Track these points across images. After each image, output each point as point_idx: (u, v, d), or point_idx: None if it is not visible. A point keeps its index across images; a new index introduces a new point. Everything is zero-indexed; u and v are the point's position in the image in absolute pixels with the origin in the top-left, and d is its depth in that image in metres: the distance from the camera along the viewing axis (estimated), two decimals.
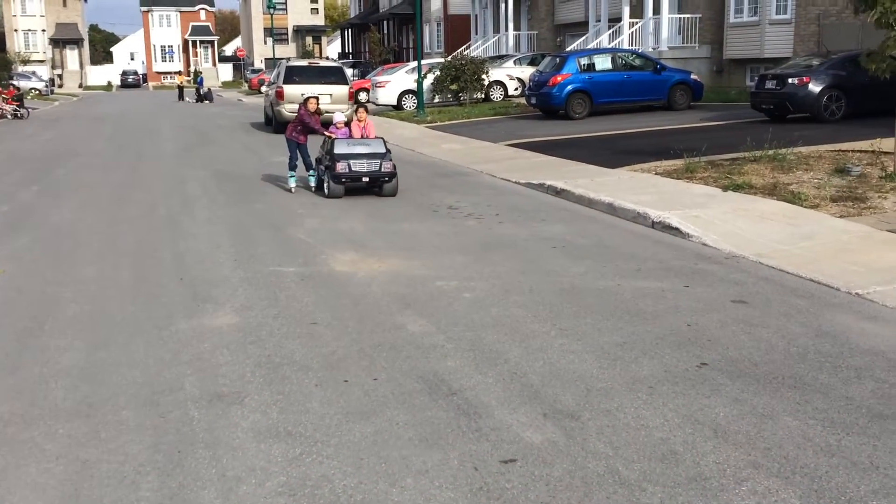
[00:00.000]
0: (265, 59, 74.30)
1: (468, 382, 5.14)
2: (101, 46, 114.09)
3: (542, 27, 38.96)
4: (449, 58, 30.98)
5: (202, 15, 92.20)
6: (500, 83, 30.30)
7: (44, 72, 70.76)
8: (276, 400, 4.95)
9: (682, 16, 28.47)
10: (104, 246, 9.30)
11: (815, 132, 15.31)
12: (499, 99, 29.97)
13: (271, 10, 60.64)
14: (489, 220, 10.33)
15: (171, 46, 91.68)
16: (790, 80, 17.37)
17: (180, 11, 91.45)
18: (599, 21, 32.16)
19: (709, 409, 4.67)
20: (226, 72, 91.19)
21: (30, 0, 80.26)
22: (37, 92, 53.28)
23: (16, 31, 78.84)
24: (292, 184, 12.91)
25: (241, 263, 8.31)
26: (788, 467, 4.01)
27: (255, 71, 67.78)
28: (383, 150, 12.19)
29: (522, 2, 40.23)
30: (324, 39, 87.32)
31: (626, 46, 27.84)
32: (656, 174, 12.72)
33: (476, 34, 43.83)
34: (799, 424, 4.45)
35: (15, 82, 42.66)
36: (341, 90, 23.07)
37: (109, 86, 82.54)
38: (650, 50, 27.32)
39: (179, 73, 60.69)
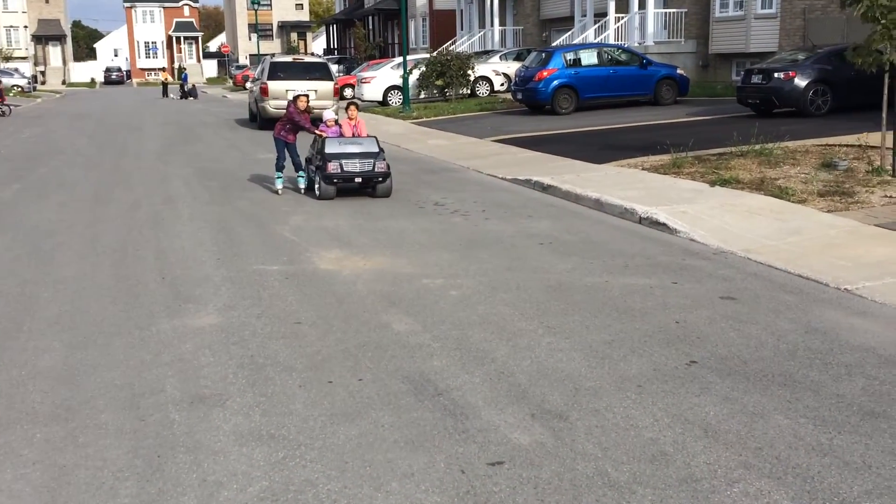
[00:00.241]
0: (250, 55, 74.05)
1: (454, 382, 5.05)
2: (85, 43, 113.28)
3: (528, 22, 38.89)
4: (434, 53, 30.86)
5: (186, 11, 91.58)
6: (486, 79, 30.21)
7: (26, 69, 70.18)
8: (259, 402, 4.85)
9: (667, 11, 28.47)
10: (85, 245, 9.16)
11: (801, 126, 15.30)
12: (485, 94, 29.88)
13: (256, 6, 60.20)
14: (476, 216, 10.25)
15: (154, 43, 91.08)
16: (776, 75, 17.35)
17: (164, 7, 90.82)
18: (585, 16, 32.13)
19: (699, 409, 4.60)
20: (210, 68, 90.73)
21: None
22: (19, 89, 52.79)
23: None
24: (279, 185, 12.36)
25: (224, 262, 8.20)
26: (780, 467, 3.94)
27: (239, 67, 67.34)
28: (376, 150, 11.69)
29: None
30: (309, 35, 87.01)
31: (611, 41, 27.79)
32: (643, 169, 12.67)
33: (461, 29, 43.73)
34: (790, 423, 4.39)
35: None
36: (326, 86, 22.95)
37: (93, 82, 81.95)
38: (636, 45, 27.32)
39: (163, 69, 60.41)
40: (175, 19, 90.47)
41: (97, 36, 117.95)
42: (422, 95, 29.82)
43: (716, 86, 25.37)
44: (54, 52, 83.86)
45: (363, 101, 29.75)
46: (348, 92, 31.07)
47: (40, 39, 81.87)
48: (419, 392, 4.92)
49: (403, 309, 6.55)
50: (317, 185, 11.79)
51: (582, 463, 4.04)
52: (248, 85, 34.66)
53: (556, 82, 21.99)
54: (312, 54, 57.75)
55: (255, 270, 7.83)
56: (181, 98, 45.72)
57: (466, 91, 29.32)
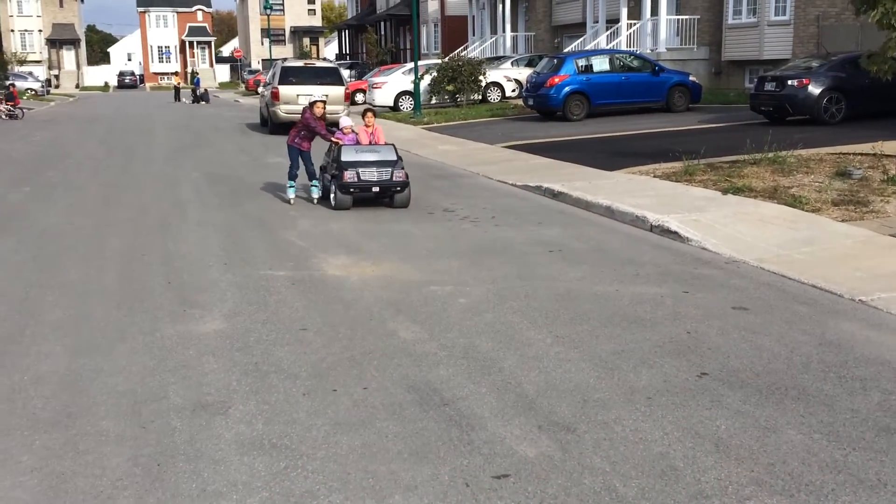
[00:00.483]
0: (262, 59, 74.22)
1: (461, 392, 4.97)
2: (98, 47, 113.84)
3: (540, 28, 38.84)
4: (446, 59, 30.84)
5: (199, 16, 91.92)
6: (498, 84, 30.17)
7: (40, 72, 70.60)
8: (262, 410, 4.78)
9: (680, 17, 28.36)
10: (91, 249, 9.12)
11: (815, 134, 15.16)
12: (496, 100, 29.83)
13: (268, 11, 60.50)
14: (485, 223, 10.17)
15: (167, 47, 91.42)
16: (790, 82, 17.22)
17: (177, 12, 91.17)
18: (597, 22, 32.04)
19: (709, 422, 4.50)
20: (223, 72, 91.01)
21: (26, 0, 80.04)
22: (33, 92, 53.08)
23: (12, 31, 78.66)
24: (291, 194, 11.89)
25: (231, 267, 8.14)
26: (793, 484, 3.84)
27: (252, 72, 67.60)
28: (394, 158, 11.17)
29: (520, 3, 40.12)
30: (321, 40, 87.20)
31: (624, 48, 27.70)
32: (655, 177, 12.57)
33: (473, 35, 43.70)
34: (803, 438, 4.28)
35: (9, 82, 42.44)
36: (337, 91, 22.91)
37: (106, 86, 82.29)
38: (648, 51, 27.20)
39: (176, 73, 60.55)
40: (188, 24, 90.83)
41: (111, 40, 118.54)
42: (433, 101, 29.79)
43: (729, 93, 25.24)
44: (68, 56, 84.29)
45: (374, 106, 29.72)
46: (359, 97, 31.05)
47: (54, 43, 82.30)
48: (424, 402, 4.84)
49: (410, 316, 6.47)
50: (332, 195, 11.39)
51: (589, 477, 3.95)
52: (259, 89, 34.71)
53: (567, 88, 21.91)
54: (325, 59, 57.85)
55: (262, 276, 7.76)
56: (193, 102, 45.83)
57: (478, 97, 29.28)
